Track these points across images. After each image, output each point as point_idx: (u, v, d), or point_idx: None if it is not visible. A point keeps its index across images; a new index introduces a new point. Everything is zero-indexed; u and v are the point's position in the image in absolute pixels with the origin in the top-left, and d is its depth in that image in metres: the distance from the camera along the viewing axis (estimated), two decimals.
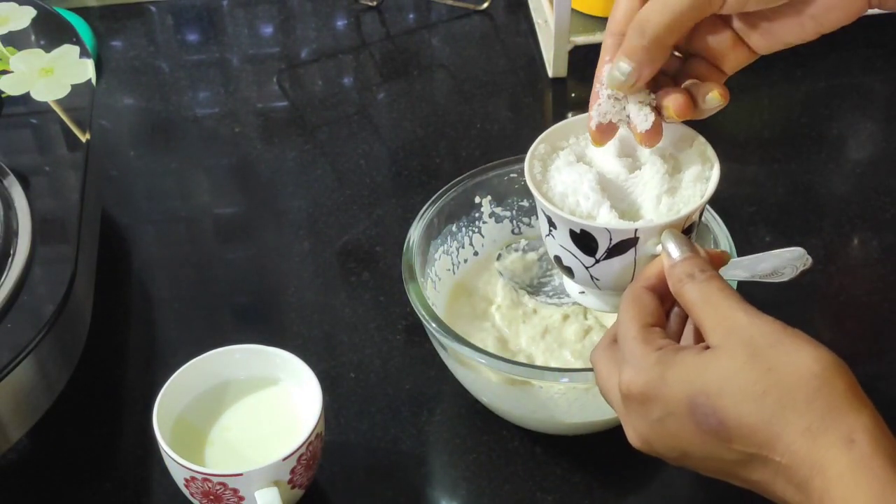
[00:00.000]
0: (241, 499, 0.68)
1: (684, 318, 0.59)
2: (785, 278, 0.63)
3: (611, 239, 0.61)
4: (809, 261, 0.63)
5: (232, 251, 0.95)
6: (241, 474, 0.67)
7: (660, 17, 0.58)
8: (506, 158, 0.83)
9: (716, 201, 0.80)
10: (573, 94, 1.09)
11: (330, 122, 1.06)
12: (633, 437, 0.56)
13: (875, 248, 0.92)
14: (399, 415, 0.80)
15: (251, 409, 0.73)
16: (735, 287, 0.72)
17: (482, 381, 0.74)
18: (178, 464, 0.67)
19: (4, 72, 0.87)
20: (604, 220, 0.62)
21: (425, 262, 0.79)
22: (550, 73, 1.09)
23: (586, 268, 0.64)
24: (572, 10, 1.05)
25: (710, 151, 0.64)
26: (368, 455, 0.77)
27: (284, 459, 0.67)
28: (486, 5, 1.18)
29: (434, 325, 0.72)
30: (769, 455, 0.51)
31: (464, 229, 0.83)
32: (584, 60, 1.10)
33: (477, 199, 0.83)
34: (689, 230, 0.62)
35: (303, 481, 0.70)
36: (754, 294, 0.86)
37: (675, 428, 0.54)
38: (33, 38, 0.90)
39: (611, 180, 0.64)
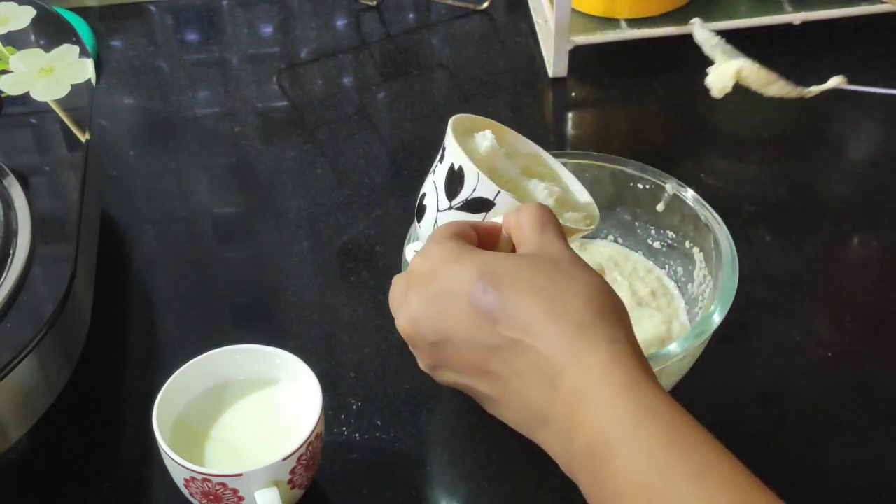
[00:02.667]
0: (241, 499, 0.68)
1: None
2: None
3: (475, 188, 0.64)
4: None
5: (232, 251, 0.95)
6: (240, 474, 0.67)
7: None
8: None
9: (716, 201, 0.80)
10: (573, 94, 1.09)
11: (330, 122, 1.06)
12: (404, 318, 0.58)
13: (875, 247, 0.92)
14: (399, 415, 0.80)
15: (251, 409, 0.73)
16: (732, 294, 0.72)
17: None
18: (177, 464, 0.67)
19: (4, 72, 0.87)
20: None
21: None
22: (550, 73, 1.09)
23: (438, 211, 0.67)
24: (572, 10, 1.05)
25: (596, 211, 0.71)
26: (368, 455, 0.77)
27: (284, 459, 0.67)
28: (486, 5, 1.18)
29: None
30: (532, 342, 0.53)
31: None
32: (584, 60, 1.10)
33: None
34: None
35: (303, 481, 0.70)
36: (755, 293, 0.87)
37: (449, 306, 0.55)
38: (33, 37, 0.90)
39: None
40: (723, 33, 1.08)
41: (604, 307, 0.55)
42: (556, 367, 0.53)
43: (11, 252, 0.74)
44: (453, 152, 0.66)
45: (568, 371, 0.52)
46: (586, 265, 0.57)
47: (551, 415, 0.53)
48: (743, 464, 0.50)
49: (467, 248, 0.58)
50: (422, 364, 0.60)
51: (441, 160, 0.67)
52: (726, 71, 0.75)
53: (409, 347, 0.61)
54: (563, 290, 0.55)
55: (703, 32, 0.75)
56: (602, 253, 0.84)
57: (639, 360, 0.53)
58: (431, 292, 0.56)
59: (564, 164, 0.83)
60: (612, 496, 0.51)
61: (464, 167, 0.65)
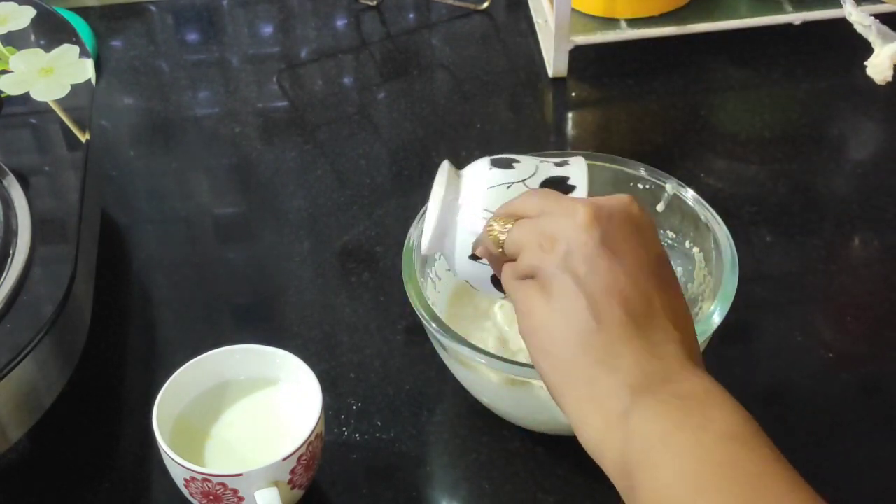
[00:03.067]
0: (241, 499, 0.68)
1: None
2: None
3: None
4: None
5: (232, 251, 0.95)
6: (240, 474, 0.67)
7: None
8: None
9: (717, 201, 0.80)
10: (573, 94, 1.09)
11: (330, 122, 1.06)
12: (597, 207, 0.58)
13: (876, 248, 0.92)
14: (399, 415, 0.80)
15: (251, 409, 0.73)
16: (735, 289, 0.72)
17: (482, 381, 0.74)
18: (177, 464, 0.67)
19: (4, 72, 0.87)
20: None
21: (425, 261, 0.79)
22: (550, 73, 1.09)
23: (523, 183, 0.67)
24: (572, 9, 1.05)
25: None
26: (368, 455, 0.77)
27: (284, 460, 0.67)
28: (486, 5, 1.18)
29: (434, 325, 0.72)
30: (671, 327, 0.56)
31: None
32: (584, 60, 1.10)
33: None
34: None
35: (303, 482, 0.70)
36: (755, 292, 0.87)
37: (645, 243, 0.58)
38: (33, 37, 0.90)
39: None
40: (723, 33, 1.09)
41: None
42: (672, 367, 0.55)
43: (11, 252, 0.74)
44: (578, 175, 0.66)
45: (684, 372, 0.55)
46: None
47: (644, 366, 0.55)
48: None
49: None
50: (559, 251, 0.58)
51: (558, 165, 0.68)
52: (882, 59, 0.73)
53: (552, 224, 0.59)
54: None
55: (856, 13, 0.72)
56: None
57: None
58: (635, 220, 0.58)
59: (564, 164, 0.83)
60: (698, 425, 0.53)
61: (578, 187, 0.66)
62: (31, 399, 0.71)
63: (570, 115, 1.09)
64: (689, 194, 0.80)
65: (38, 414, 0.73)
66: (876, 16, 0.76)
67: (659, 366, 0.55)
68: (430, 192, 0.82)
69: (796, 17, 1.09)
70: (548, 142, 1.05)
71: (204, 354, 0.73)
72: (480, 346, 0.72)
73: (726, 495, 0.50)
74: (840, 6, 1.10)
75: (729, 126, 1.05)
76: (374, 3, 1.19)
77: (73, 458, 0.78)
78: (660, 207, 0.81)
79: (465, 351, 0.71)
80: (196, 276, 0.93)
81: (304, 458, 0.68)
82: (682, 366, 0.55)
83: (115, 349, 0.85)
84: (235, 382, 0.74)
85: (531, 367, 0.72)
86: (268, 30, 1.19)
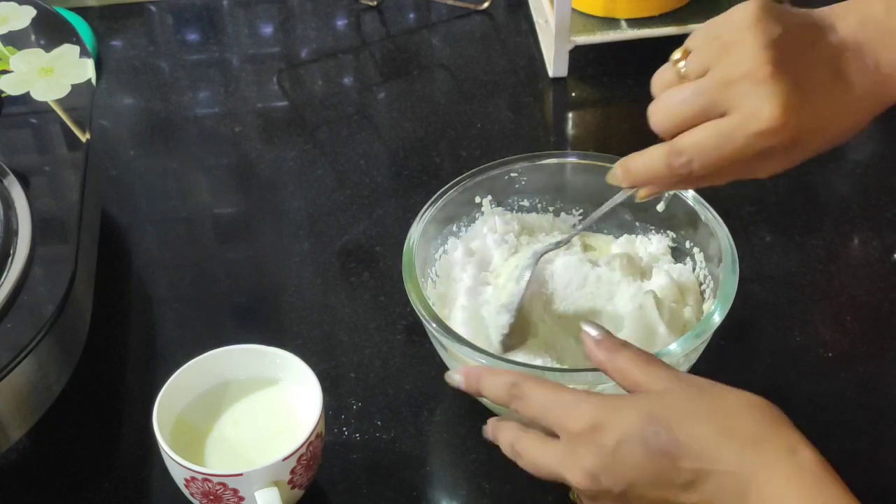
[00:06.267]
0: (241, 499, 0.68)
1: None
2: None
3: None
4: None
5: (232, 251, 0.95)
6: (240, 474, 0.67)
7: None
8: (506, 158, 0.83)
9: (716, 201, 0.80)
10: (573, 94, 1.09)
11: (330, 122, 1.06)
12: (579, 475, 0.58)
13: (875, 247, 0.92)
14: (399, 415, 0.80)
15: (251, 409, 0.73)
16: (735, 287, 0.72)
17: None
18: (177, 464, 0.67)
19: (4, 71, 0.87)
20: None
21: (425, 262, 0.79)
22: (550, 73, 1.09)
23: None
24: (572, 9, 1.05)
25: None
26: (368, 455, 0.77)
27: (284, 459, 0.67)
28: (486, 5, 1.18)
29: (434, 325, 0.72)
30: (715, 467, 0.55)
31: (464, 229, 0.83)
32: (584, 60, 1.10)
33: (477, 199, 0.83)
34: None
35: (303, 481, 0.70)
36: (755, 293, 0.87)
37: (626, 454, 0.56)
38: (33, 37, 0.90)
39: None
40: None
41: (773, 418, 0.57)
42: (743, 482, 0.54)
43: (11, 252, 0.74)
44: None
45: (754, 483, 0.54)
46: (716, 383, 0.59)
47: None
48: None
49: (612, 398, 0.59)
50: None
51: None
52: None
53: (585, 500, 0.61)
54: (728, 411, 0.57)
55: None
56: (602, 250, 0.84)
57: (822, 467, 0.55)
58: (605, 445, 0.57)
59: (564, 165, 0.83)
60: None
61: None
62: (31, 399, 0.71)
63: (570, 115, 1.09)
64: (689, 194, 0.80)
65: (38, 414, 0.73)
66: None
67: None
68: (430, 194, 0.82)
69: None
70: (548, 142, 1.05)
71: (204, 354, 0.73)
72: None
73: None
74: None
75: None
76: (374, 3, 1.19)
77: (73, 458, 0.78)
78: (660, 207, 0.82)
79: (465, 351, 0.71)
80: (196, 276, 0.93)
81: (304, 458, 0.68)
82: (742, 491, 0.55)
83: (115, 349, 0.85)
84: (235, 382, 0.74)
85: (530, 367, 0.72)
86: (268, 30, 1.19)
